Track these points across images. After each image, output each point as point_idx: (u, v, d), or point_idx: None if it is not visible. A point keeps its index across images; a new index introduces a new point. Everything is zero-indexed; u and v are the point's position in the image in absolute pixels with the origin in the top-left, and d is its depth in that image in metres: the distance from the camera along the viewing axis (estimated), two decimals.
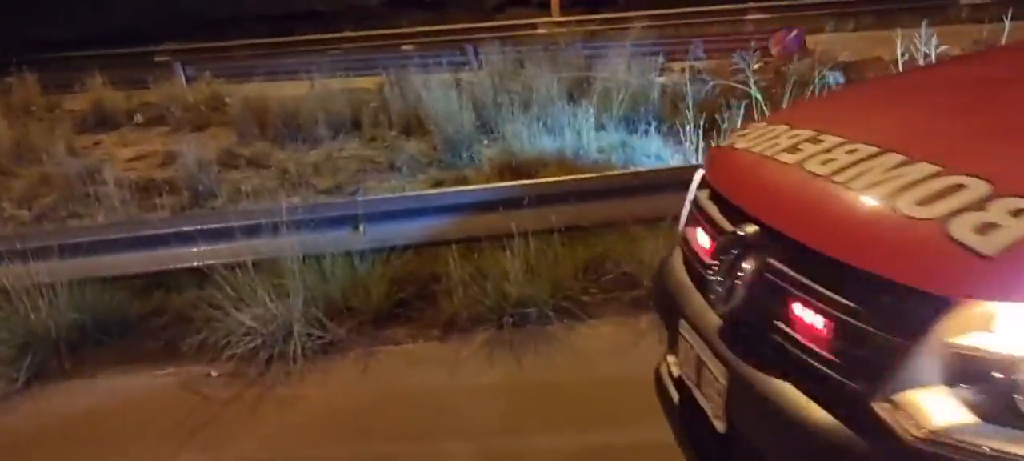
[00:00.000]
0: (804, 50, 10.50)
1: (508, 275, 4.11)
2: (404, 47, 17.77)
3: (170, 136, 9.48)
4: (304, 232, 4.30)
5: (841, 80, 7.19)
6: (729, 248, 1.69)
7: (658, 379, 2.24)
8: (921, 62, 5.37)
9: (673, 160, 6.69)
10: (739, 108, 5.99)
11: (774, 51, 10.43)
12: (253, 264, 4.07)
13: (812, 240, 1.48)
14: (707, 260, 1.85)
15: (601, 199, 4.66)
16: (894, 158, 1.52)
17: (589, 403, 3.30)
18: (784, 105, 5.61)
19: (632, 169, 5.59)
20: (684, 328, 1.87)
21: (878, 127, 1.75)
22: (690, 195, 2.23)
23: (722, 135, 6.06)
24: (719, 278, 1.70)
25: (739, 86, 5.58)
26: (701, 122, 6.06)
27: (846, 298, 1.39)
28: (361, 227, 4.53)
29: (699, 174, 2.23)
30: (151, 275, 4.54)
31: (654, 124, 7.30)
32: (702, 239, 1.98)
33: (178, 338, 4.13)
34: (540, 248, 4.22)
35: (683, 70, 10.62)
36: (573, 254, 4.38)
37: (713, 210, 1.96)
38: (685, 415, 1.95)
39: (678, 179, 4.78)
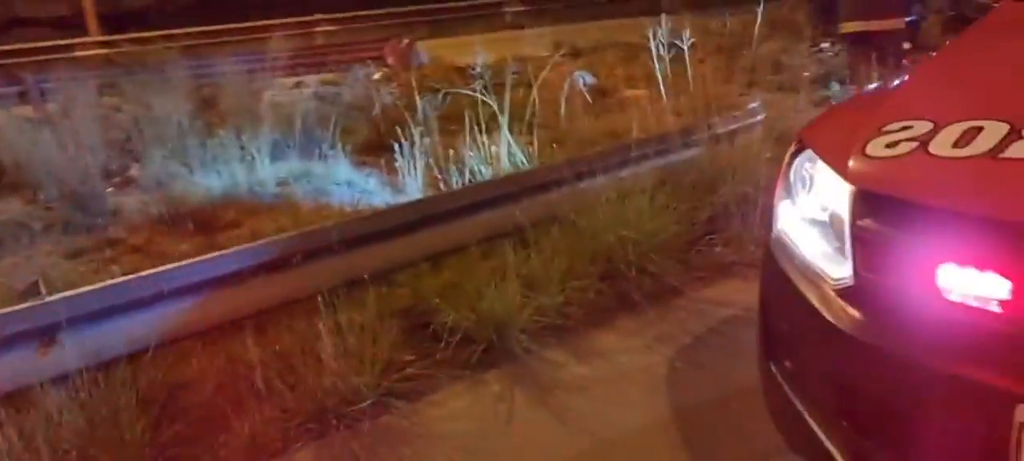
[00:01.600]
0: (416, 58, 10.42)
1: (320, 360, 3.09)
2: None
3: None
4: None
5: (588, 81, 7.03)
6: None
7: None
8: None
9: (369, 185, 5.99)
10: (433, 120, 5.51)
11: (390, 61, 10.12)
12: None
13: None
14: None
15: (380, 241, 3.81)
16: None
17: None
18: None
19: (406, 200, 4.70)
20: None
21: None
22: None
23: (413, 152, 5.44)
24: None
25: (468, 93, 5.06)
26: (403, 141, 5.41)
27: None
28: (61, 339, 3.03)
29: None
30: None
31: (328, 147, 6.45)
32: None
33: None
34: (349, 318, 3.25)
35: (297, 84, 9.89)
36: (378, 316, 3.46)
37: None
38: None
39: (460, 203, 4.17)
